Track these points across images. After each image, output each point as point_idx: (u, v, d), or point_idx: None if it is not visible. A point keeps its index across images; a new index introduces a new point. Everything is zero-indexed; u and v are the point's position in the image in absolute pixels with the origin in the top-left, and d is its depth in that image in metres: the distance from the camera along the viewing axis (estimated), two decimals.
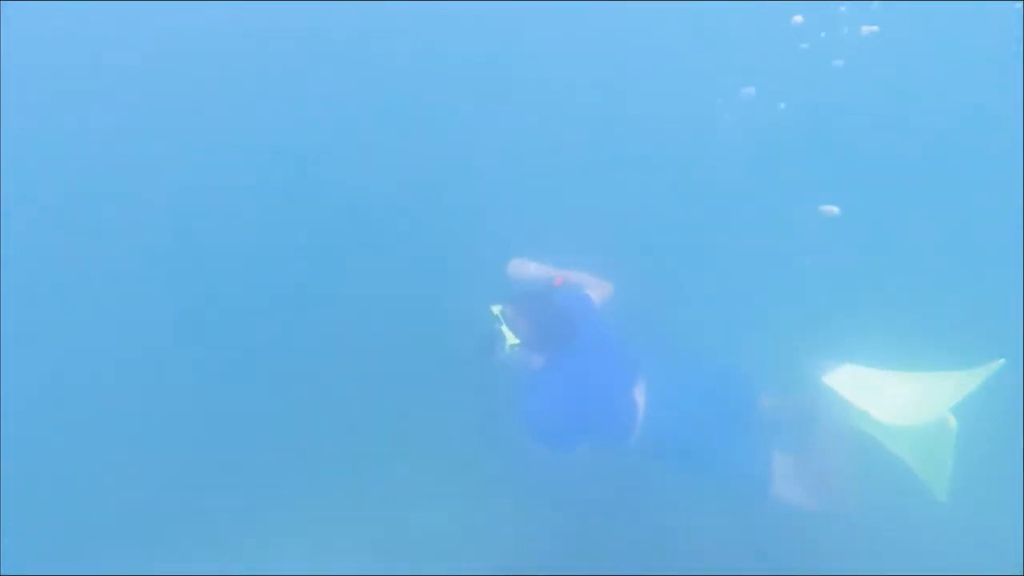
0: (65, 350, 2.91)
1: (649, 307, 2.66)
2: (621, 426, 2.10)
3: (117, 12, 4.07)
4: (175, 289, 3.08)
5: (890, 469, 2.01)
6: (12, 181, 3.42)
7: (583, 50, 3.67)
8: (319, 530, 2.38)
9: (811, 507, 2.02)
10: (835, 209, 2.82)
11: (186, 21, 4.04)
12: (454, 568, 2.21)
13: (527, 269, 2.36)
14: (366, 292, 2.95)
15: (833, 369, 2.18)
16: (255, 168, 3.47)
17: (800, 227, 2.91)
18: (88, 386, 2.78)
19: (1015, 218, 2.76)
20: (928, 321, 2.50)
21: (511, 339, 2.05)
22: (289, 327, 2.93)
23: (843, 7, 3.26)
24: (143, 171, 3.50)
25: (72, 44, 4.04)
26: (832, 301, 2.66)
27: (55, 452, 2.63)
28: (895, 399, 2.02)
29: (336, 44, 3.87)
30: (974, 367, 1.89)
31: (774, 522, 2.14)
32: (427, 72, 3.70)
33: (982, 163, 3.01)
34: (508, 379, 2.19)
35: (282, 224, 3.27)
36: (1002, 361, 1.82)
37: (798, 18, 3.23)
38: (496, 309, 2.10)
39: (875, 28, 3.21)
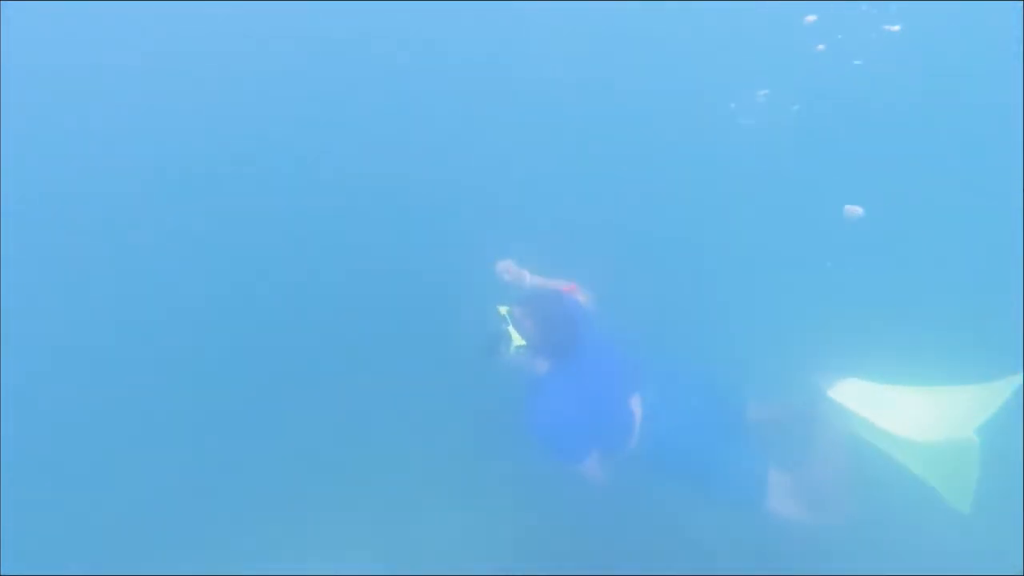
0: (65, 350, 2.91)
1: (651, 314, 2.65)
2: (620, 435, 2.09)
3: (117, 12, 4.07)
4: (177, 289, 3.08)
5: (894, 481, 2.00)
6: (12, 181, 3.42)
7: (590, 52, 3.63)
8: (319, 530, 2.38)
9: (808, 521, 1.99)
10: (859, 210, 2.76)
11: (186, 21, 4.04)
12: (454, 568, 2.21)
13: (517, 274, 2.31)
14: (369, 292, 2.95)
15: (837, 383, 2.14)
16: (257, 168, 3.47)
17: (809, 235, 2.87)
18: (88, 386, 2.77)
19: None
20: (933, 334, 2.44)
21: (517, 340, 2.01)
22: (291, 327, 2.93)
23: (864, 6, 3.21)
24: (143, 171, 3.50)
25: (72, 44, 4.04)
26: (836, 313, 2.58)
27: (55, 452, 2.63)
28: (915, 415, 1.98)
29: (337, 44, 3.87)
30: (989, 381, 1.88)
31: (772, 521, 2.14)
32: (438, 72, 3.68)
33: (1003, 167, 2.92)
34: (511, 380, 2.16)
35: (284, 223, 3.27)
36: (1021, 375, 1.80)
37: (811, 17, 3.18)
38: (503, 309, 2.06)
39: (896, 27, 3.15)
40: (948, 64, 3.16)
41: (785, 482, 2.04)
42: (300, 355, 2.84)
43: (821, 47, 3.18)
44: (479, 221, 3.02)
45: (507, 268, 2.32)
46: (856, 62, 3.17)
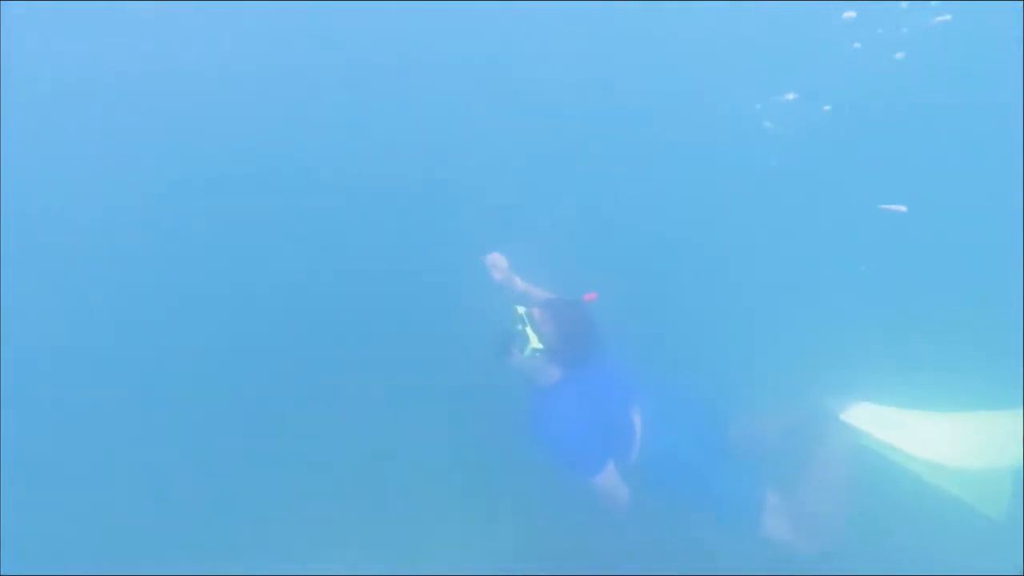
0: (65, 350, 2.91)
1: (659, 325, 2.60)
2: (622, 448, 2.06)
3: (117, 12, 4.06)
4: (179, 288, 3.08)
5: (897, 494, 2.01)
6: (12, 181, 3.42)
7: (602, 51, 3.56)
8: (319, 530, 2.37)
9: (805, 546, 1.96)
10: (902, 208, 2.62)
11: (185, 21, 4.04)
12: (454, 568, 2.21)
13: (508, 275, 2.25)
14: (371, 292, 2.94)
15: (848, 407, 2.12)
16: (258, 168, 3.47)
17: (828, 246, 2.77)
18: (88, 386, 2.77)
19: None
20: (940, 355, 2.33)
21: (534, 343, 1.94)
22: (292, 327, 2.94)
23: (904, 5, 3.00)
24: (143, 171, 3.51)
25: (72, 44, 4.04)
26: (850, 330, 2.50)
27: (55, 452, 2.63)
28: (949, 441, 1.98)
29: (339, 44, 3.87)
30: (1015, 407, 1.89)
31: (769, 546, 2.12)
32: (452, 72, 3.65)
33: None
34: (515, 381, 2.11)
35: (286, 223, 3.28)
36: None
37: (849, 14, 3.00)
38: (521, 310, 1.99)
39: (947, 17, 2.91)
40: (997, 63, 2.95)
41: (784, 508, 2.01)
42: (301, 355, 2.85)
43: (857, 45, 3.01)
44: (492, 222, 2.96)
45: (496, 263, 2.24)
46: (898, 55, 2.98)
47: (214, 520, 2.41)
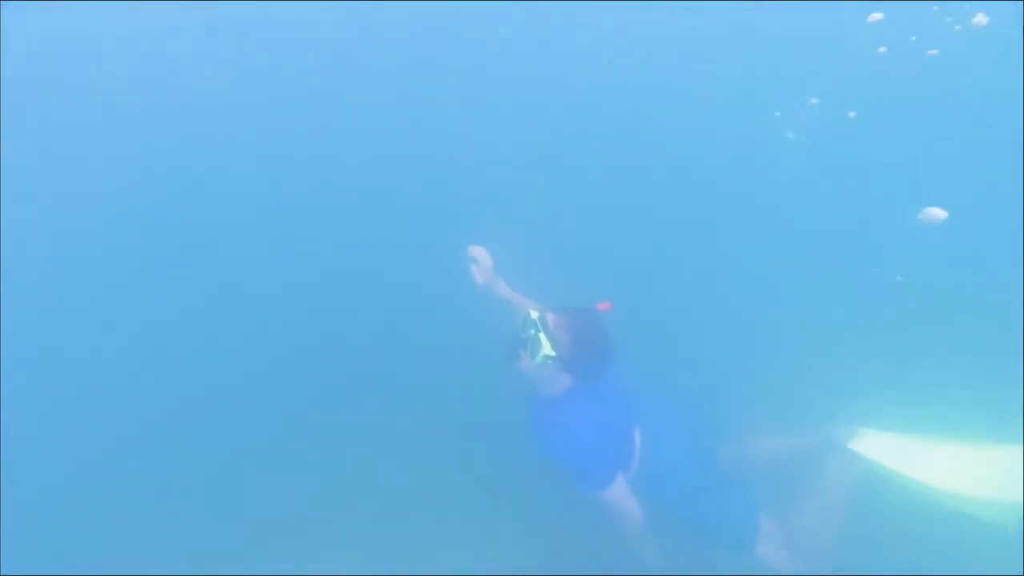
0: (65, 349, 2.91)
1: (663, 341, 2.54)
2: (624, 463, 2.02)
3: (117, 13, 4.07)
4: (180, 288, 3.08)
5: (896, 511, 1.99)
6: (12, 181, 3.42)
7: (608, 60, 3.48)
8: (320, 530, 2.37)
9: (802, 571, 1.94)
10: (942, 213, 2.44)
11: (185, 21, 4.05)
12: (454, 568, 2.21)
13: (491, 275, 2.15)
14: (374, 292, 2.94)
15: (853, 435, 2.10)
16: (261, 169, 3.48)
17: (846, 265, 2.64)
18: (89, 386, 2.77)
19: None
20: (952, 382, 2.24)
21: (547, 349, 1.85)
22: (293, 326, 2.93)
23: (935, 7, 2.86)
24: (143, 171, 3.51)
25: (72, 44, 4.04)
26: (858, 358, 2.40)
27: (55, 452, 2.63)
28: (958, 471, 1.97)
29: (342, 44, 3.87)
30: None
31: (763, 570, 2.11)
32: (460, 75, 3.65)
33: None
34: (520, 385, 2.05)
35: (288, 223, 3.28)
36: None
37: (875, 16, 2.87)
38: (534, 314, 1.90)
39: (984, 20, 2.77)
40: None
41: (781, 532, 1.99)
42: (301, 355, 2.85)
43: (883, 49, 2.89)
44: (493, 225, 2.90)
45: (480, 259, 2.13)
46: (931, 52, 2.83)
47: (214, 520, 2.41)
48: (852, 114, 2.83)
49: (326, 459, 2.55)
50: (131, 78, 3.84)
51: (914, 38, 2.89)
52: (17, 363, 2.84)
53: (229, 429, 2.65)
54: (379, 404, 2.65)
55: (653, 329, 2.48)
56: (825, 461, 2.09)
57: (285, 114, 3.69)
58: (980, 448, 2.05)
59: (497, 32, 3.76)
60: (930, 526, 1.98)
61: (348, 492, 2.45)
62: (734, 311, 2.70)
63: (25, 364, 2.84)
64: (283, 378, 2.76)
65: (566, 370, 1.90)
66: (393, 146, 3.49)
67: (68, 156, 3.59)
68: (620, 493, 1.92)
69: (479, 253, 2.15)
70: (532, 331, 1.87)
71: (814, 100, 2.88)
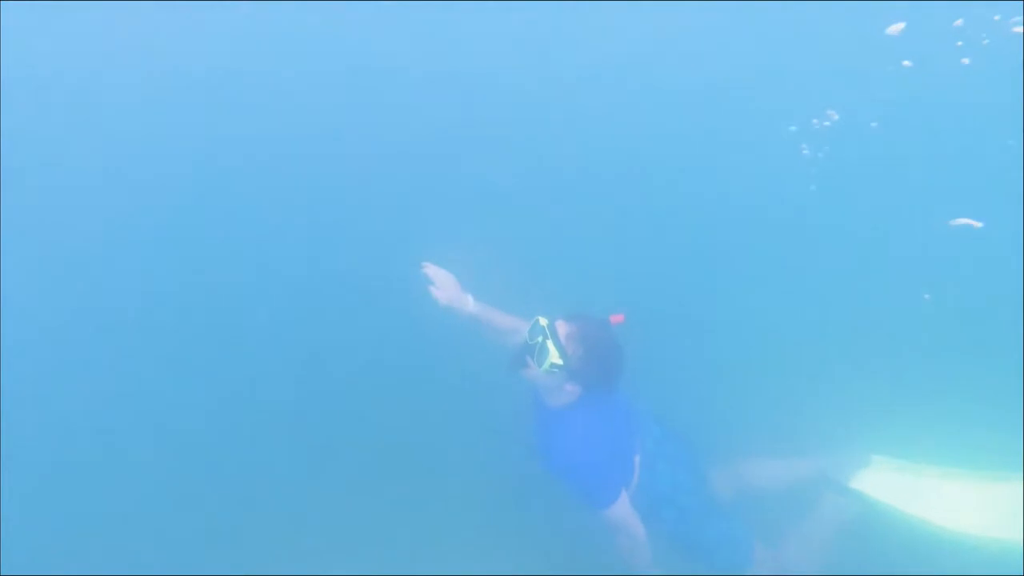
0: (65, 350, 2.91)
1: (666, 362, 2.50)
2: (626, 479, 1.99)
3: (117, 13, 4.07)
4: (181, 288, 3.08)
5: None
6: (12, 181, 3.42)
7: (611, 68, 3.42)
8: (320, 530, 2.37)
9: None
10: (976, 224, 2.36)
11: (185, 21, 4.05)
12: (455, 568, 2.21)
13: (458, 295, 2.06)
14: (380, 290, 2.91)
15: (853, 468, 2.10)
16: (263, 169, 3.48)
17: (858, 287, 2.57)
18: (89, 386, 2.77)
19: None
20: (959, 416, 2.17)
21: (555, 357, 1.78)
22: (294, 326, 2.93)
23: (959, 18, 2.72)
24: (143, 171, 3.51)
25: (72, 45, 4.04)
26: (870, 384, 2.34)
27: (55, 452, 2.63)
28: (956, 507, 1.96)
29: (344, 45, 3.87)
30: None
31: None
32: (461, 75, 3.63)
33: None
34: (521, 390, 2.02)
35: (289, 223, 3.27)
36: None
37: (898, 26, 2.75)
38: (543, 320, 1.83)
39: (1020, 28, 2.61)
40: None
41: (773, 561, 2.00)
42: (302, 354, 2.85)
43: (907, 63, 2.75)
44: (496, 228, 2.94)
45: (434, 275, 2.03)
46: (965, 60, 2.71)
47: (215, 520, 2.41)
48: (874, 124, 2.74)
49: (327, 460, 2.55)
50: (131, 78, 3.84)
51: (934, 45, 2.80)
52: (17, 363, 2.84)
53: (230, 430, 2.65)
54: (380, 406, 2.65)
55: (656, 349, 2.42)
56: (821, 492, 2.09)
57: (285, 114, 3.69)
58: (982, 484, 2.03)
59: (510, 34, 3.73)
60: (925, 560, 1.97)
61: (348, 493, 2.45)
62: (738, 335, 2.65)
63: (25, 364, 2.84)
64: (286, 381, 2.76)
65: (574, 380, 1.84)
66: (393, 146, 3.50)
67: (68, 156, 3.59)
68: (624, 510, 1.88)
69: (433, 272, 2.06)
70: (540, 338, 1.80)
71: (832, 112, 2.77)
